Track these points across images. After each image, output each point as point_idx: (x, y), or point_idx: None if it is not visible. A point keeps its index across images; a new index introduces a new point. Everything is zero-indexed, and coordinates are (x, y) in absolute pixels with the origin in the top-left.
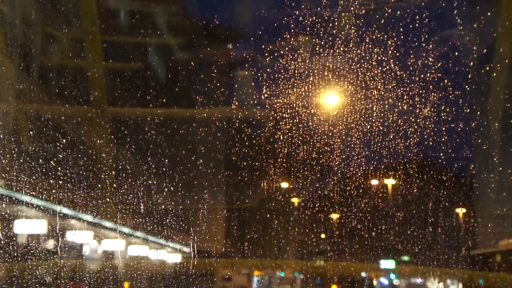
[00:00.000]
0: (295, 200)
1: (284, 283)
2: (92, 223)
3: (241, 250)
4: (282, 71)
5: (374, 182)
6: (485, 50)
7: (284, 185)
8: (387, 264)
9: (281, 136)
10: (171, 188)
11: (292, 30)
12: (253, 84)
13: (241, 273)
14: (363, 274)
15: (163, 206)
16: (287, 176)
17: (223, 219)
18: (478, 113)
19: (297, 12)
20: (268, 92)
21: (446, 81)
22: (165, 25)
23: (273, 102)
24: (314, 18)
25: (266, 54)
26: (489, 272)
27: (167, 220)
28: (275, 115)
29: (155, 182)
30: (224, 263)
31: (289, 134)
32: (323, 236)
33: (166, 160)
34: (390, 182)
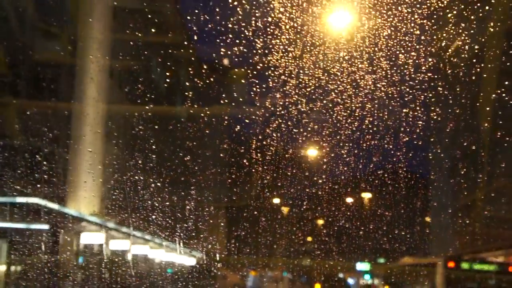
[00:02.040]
0: (282, 199)
1: (272, 281)
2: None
3: (229, 248)
4: (273, 69)
5: (362, 182)
6: (476, 51)
7: (272, 184)
8: (363, 266)
9: (270, 135)
10: (160, 185)
11: (284, 29)
12: (244, 82)
13: (232, 271)
14: (341, 275)
15: (149, 203)
16: (276, 175)
17: (211, 217)
18: (468, 112)
19: (289, 10)
20: (259, 91)
21: (436, 81)
22: (160, 25)
23: (264, 101)
24: (306, 16)
25: (258, 53)
26: None
27: (154, 216)
28: (266, 113)
29: (142, 178)
30: (213, 260)
31: (279, 133)
32: (309, 239)
33: (156, 157)
34: (378, 184)
